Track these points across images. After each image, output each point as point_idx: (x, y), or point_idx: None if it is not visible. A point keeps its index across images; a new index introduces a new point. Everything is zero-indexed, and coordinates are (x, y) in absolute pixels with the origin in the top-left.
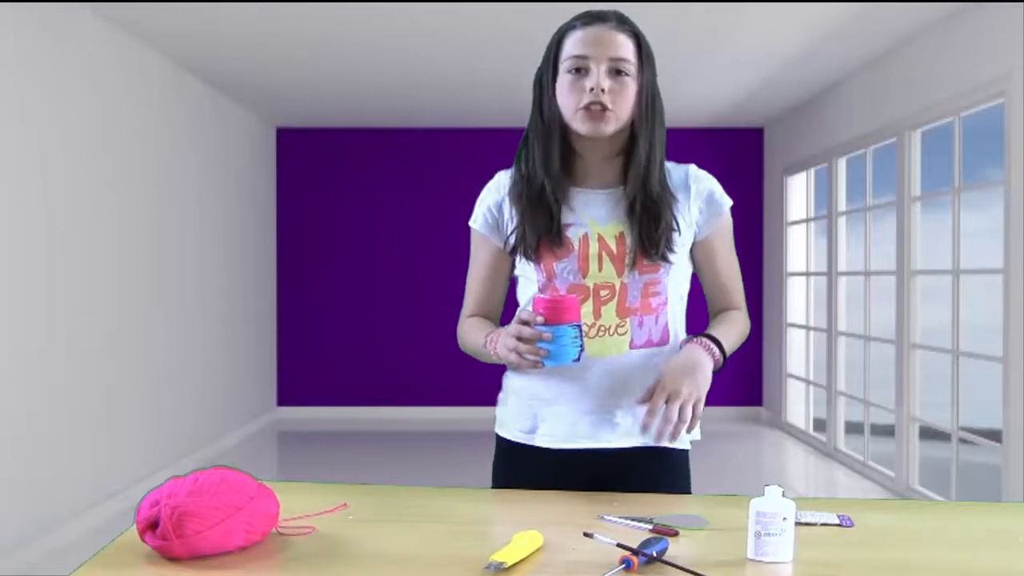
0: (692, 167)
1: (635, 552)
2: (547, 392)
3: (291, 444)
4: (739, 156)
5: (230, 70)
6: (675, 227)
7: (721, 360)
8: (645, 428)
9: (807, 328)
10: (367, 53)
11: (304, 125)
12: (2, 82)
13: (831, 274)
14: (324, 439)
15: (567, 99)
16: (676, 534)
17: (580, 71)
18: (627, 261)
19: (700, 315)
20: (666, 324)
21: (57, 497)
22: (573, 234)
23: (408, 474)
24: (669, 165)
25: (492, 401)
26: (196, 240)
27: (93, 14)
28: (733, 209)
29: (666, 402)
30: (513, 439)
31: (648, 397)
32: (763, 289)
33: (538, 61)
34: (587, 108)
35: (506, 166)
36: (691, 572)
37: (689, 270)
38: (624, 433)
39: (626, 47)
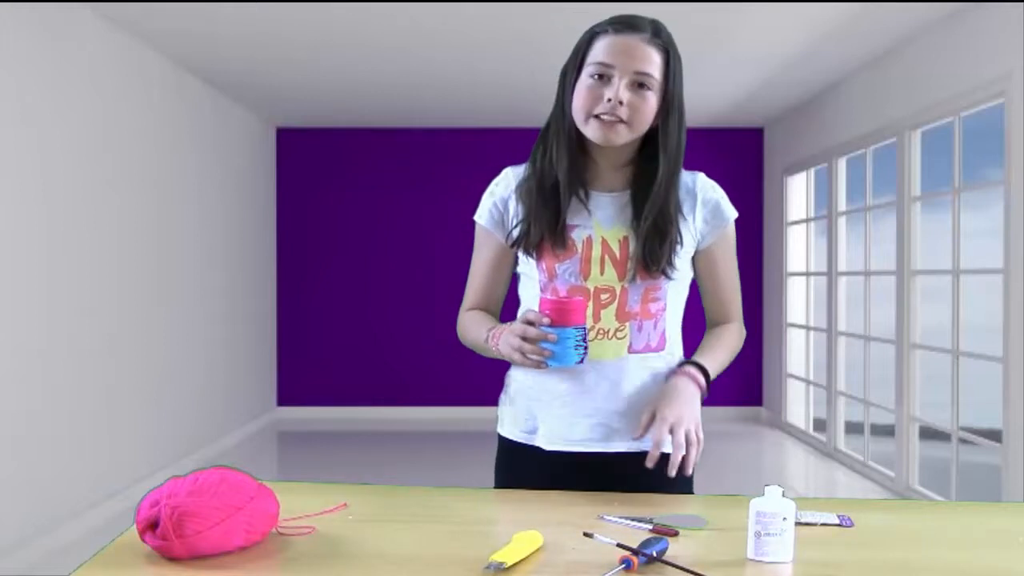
0: (701, 176)
1: (635, 552)
2: (545, 393)
3: (291, 444)
4: (739, 156)
5: (230, 70)
6: (679, 242)
7: (706, 387)
8: (653, 462)
9: (807, 328)
10: (367, 53)
11: (304, 125)
12: (2, 82)
13: (831, 274)
14: (324, 439)
15: (583, 102)
16: (676, 534)
17: (602, 78)
18: (629, 269)
19: (699, 320)
20: (664, 330)
21: (57, 497)
22: (577, 236)
23: (408, 474)
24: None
25: (492, 401)
26: (196, 240)
27: (93, 14)
28: None
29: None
30: (514, 439)
31: (643, 432)
32: (763, 289)
33: (538, 61)
34: (600, 116)
35: (506, 166)
36: (691, 572)
37: (689, 276)
38: (622, 438)
39: (653, 62)
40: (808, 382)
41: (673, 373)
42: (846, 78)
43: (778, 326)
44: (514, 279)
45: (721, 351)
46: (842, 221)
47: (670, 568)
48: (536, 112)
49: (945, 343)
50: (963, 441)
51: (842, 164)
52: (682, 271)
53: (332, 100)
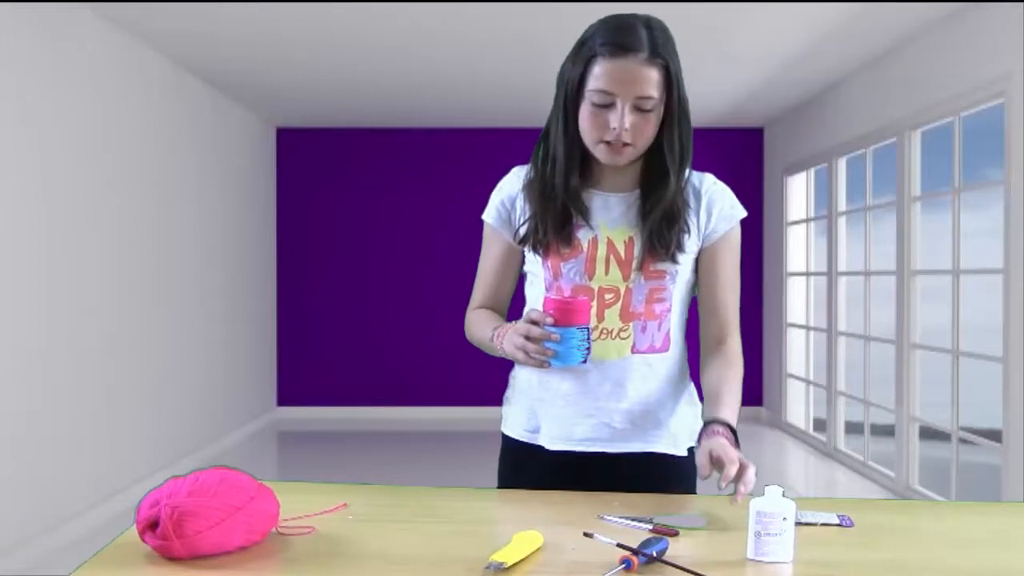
0: (709, 177)
1: (635, 552)
2: (548, 393)
3: (291, 444)
4: (739, 156)
5: (230, 70)
6: (686, 229)
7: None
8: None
9: (807, 328)
10: (367, 53)
11: (304, 125)
12: (2, 82)
13: (831, 274)
14: (324, 439)
15: (590, 129)
16: (676, 534)
17: (605, 106)
18: (635, 263)
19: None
20: (668, 331)
21: (57, 497)
22: (583, 236)
23: (408, 474)
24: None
25: (492, 401)
26: (196, 240)
27: (93, 14)
28: None
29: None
30: (518, 438)
31: (708, 473)
32: (763, 289)
33: (538, 61)
34: (607, 142)
35: (506, 166)
36: (691, 572)
37: (693, 279)
38: (623, 439)
39: (652, 82)
40: (808, 382)
41: (713, 432)
42: (846, 78)
43: (778, 326)
44: (521, 278)
45: (736, 398)
46: (842, 221)
47: (670, 568)
48: (536, 112)
49: (945, 343)
50: (963, 441)
51: (842, 164)
52: (687, 266)
53: (332, 100)
